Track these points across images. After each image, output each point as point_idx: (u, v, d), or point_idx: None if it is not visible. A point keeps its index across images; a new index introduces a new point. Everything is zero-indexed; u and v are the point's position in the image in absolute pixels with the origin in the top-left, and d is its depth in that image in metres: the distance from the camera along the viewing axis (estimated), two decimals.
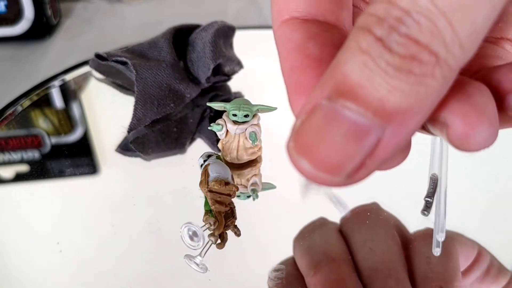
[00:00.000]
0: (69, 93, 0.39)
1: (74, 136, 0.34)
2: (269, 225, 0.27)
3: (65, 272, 0.25)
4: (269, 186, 0.29)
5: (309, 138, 0.12)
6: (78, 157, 0.32)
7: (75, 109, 0.37)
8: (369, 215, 0.27)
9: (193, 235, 0.24)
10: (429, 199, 0.26)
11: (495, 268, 0.24)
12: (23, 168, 0.31)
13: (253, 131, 0.28)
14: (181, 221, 0.27)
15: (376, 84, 0.11)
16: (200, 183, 0.25)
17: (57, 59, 0.46)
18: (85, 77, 0.39)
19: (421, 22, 0.11)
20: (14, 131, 0.34)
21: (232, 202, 0.25)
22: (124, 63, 0.35)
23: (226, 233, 0.24)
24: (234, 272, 0.24)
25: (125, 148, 0.32)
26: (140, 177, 0.30)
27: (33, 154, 0.32)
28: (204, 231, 0.24)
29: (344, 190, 0.28)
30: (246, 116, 0.28)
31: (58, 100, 0.38)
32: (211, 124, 0.28)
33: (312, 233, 0.25)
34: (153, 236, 0.26)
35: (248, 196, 0.28)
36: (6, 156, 0.32)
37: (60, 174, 0.31)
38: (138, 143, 0.32)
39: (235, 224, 0.25)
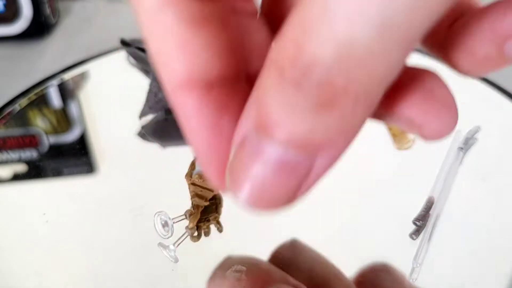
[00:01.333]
0: (67, 92, 0.39)
1: (72, 135, 0.34)
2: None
3: (63, 272, 0.25)
4: None
5: (241, 175, 0.12)
6: (75, 156, 0.32)
7: (73, 108, 0.37)
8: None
9: (165, 224, 0.24)
10: (417, 222, 0.25)
11: None
12: (21, 167, 0.31)
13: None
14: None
15: (298, 123, 0.11)
16: (186, 174, 0.26)
17: (55, 58, 0.46)
18: (83, 76, 0.39)
19: (333, 67, 0.10)
20: (11, 130, 0.34)
21: (219, 198, 0.25)
22: (145, 50, 0.36)
23: (209, 227, 0.25)
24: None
25: (144, 134, 0.33)
26: (140, 176, 0.30)
27: (31, 153, 0.32)
28: (175, 222, 0.24)
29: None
30: None
31: (56, 99, 0.37)
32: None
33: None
34: (153, 234, 0.26)
35: None
36: (4, 156, 0.32)
37: (57, 173, 0.31)
38: (150, 130, 0.33)
39: (218, 220, 0.25)
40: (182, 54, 0.12)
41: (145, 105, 0.33)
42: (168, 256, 0.23)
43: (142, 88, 0.38)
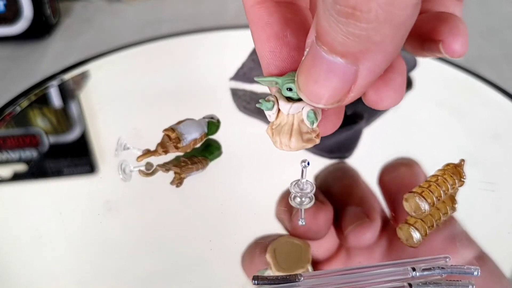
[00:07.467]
0: (68, 92, 0.39)
1: (72, 135, 0.34)
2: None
3: (63, 271, 0.25)
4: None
5: (304, 75, 0.16)
6: (76, 156, 0.32)
7: (73, 108, 0.37)
8: None
9: (119, 147, 0.30)
10: (255, 281, 0.22)
11: None
12: (21, 167, 0.31)
13: (312, 109, 0.21)
14: (180, 220, 0.27)
15: (335, 32, 0.14)
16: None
17: (56, 59, 0.46)
18: (84, 76, 0.39)
19: None
20: (12, 130, 0.34)
21: (199, 164, 0.29)
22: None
23: (177, 178, 0.28)
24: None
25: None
26: (140, 175, 0.30)
27: (31, 153, 0.32)
28: (125, 149, 0.30)
29: None
30: None
31: (56, 99, 0.37)
32: (259, 101, 0.21)
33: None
34: (153, 235, 0.26)
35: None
36: (4, 155, 0.32)
37: (58, 173, 0.31)
38: (234, 95, 0.37)
39: (181, 177, 0.28)
40: None
41: (238, 70, 0.38)
42: (121, 172, 0.29)
43: (142, 87, 0.38)
